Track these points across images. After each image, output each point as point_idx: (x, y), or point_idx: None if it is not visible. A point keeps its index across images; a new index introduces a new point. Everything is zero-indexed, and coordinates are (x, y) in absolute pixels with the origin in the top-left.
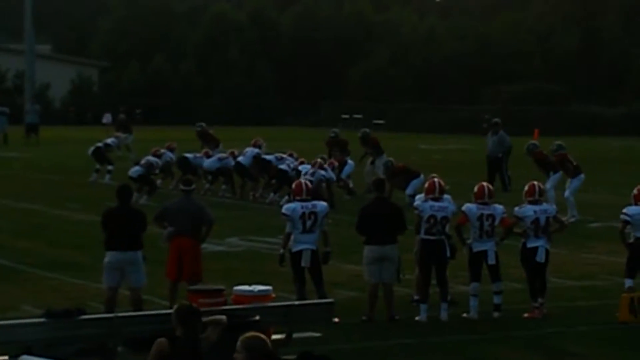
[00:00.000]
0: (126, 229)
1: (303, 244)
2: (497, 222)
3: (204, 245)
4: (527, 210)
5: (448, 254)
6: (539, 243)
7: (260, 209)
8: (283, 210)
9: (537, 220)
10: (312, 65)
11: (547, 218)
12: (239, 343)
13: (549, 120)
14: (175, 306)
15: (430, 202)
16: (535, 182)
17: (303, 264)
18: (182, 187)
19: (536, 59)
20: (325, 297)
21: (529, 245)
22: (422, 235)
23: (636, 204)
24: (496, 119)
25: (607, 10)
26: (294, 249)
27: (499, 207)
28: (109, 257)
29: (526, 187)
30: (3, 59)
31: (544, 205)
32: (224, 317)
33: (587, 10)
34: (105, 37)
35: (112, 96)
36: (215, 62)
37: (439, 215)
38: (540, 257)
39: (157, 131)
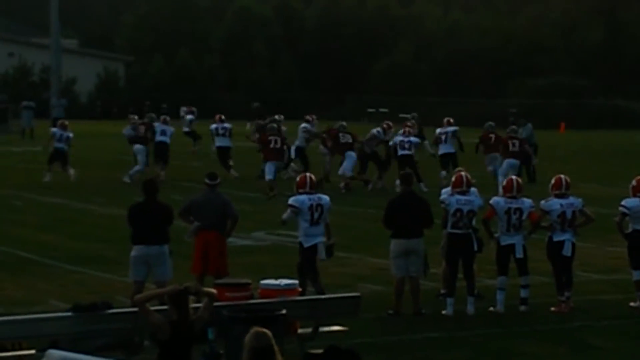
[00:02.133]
0: (152, 223)
1: (315, 237)
2: (525, 216)
3: (230, 240)
4: (554, 203)
5: (475, 247)
6: (566, 237)
7: (286, 202)
8: (290, 202)
9: (563, 213)
10: (336, 59)
11: (574, 212)
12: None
13: (574, 113)
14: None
15: (457, 196)
16: (562, 176)
17: (320, 257)
18: (207, 181)
19: (560, 52)
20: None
21: (556, 239)
22: (449, 229)
23: (634, 196)
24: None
25: (632, 3)
26: (307, 244)
27: (527, 201)
28: (135, 251)
29: (553, 181)
30: (29, 53)
31: (571, 199)
32: (214, 291)
33: (611, 3)
34: (131, 31)
35: (137, 90)
36: (239, 56)
37: (466, 209)
38: (567, 251)
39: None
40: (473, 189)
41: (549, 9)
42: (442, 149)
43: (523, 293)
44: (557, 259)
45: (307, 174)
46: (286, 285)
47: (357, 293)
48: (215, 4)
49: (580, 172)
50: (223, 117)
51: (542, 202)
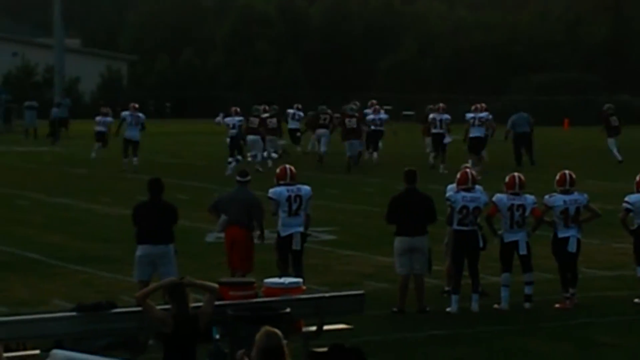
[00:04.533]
0: (157, 223)
1: (292, 227)
2: (527, 212)
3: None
4: (557, 199)
5: (481, 244)
6: (570, 233)
7: None
8: (269, 194)
9: (566, 210)
10: (341, 57)
11: (577, 208)
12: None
13: (579, 109)
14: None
15: (463, 193)
16: (567, 171)
17: (294, 247)
18: (237, 177)
19: (565, 48)
20: (303, 279)
21: (560, 235)
22: (455, 226)
23: (638, 191)
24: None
25: None
26: (283, 233)
27: (530, 197)
28: (140, 250)
29: (557, 176)
30: (33, 53)
31: (575, 195)
32: (215, 285)
33: None
34: (134, 31)
35: (141, 90)
36: (243, 55)
37: (471, 206)
38: (572, 247)
39: (187, 124)
40: (478, 187)
41: (554, 4)
42: (472, 133)
43: (527, 290)
44: (562, 255)
45: (287, 166)
46: (290, 283)
47: (362, 291)
48: (218, 3)
49: (585, 169)
50: (238, 109)
51: (546, 197)
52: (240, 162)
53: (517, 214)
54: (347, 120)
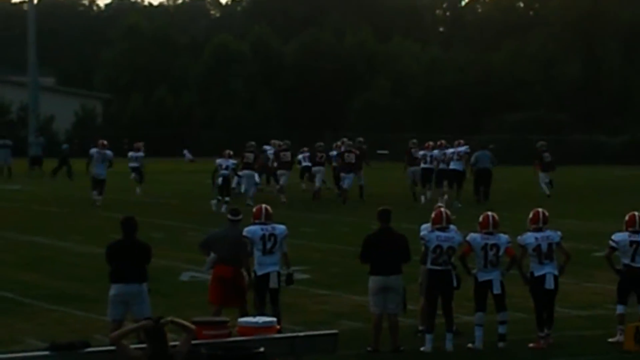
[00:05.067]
0: (131, 262)
1: (268, 266)
2: (501, 251)
3: (208, 277)
4: (529, 237)
5: (454, 284)
6: (546, 270)
7: None
8: (244, 233)
9: (538, 247)
10: (315, 95)
11: (550, 244)
12: None
13: (552, 149)
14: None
15: (437, 232)
16: (540, 209)
17: (271, 285)
18: (229, 216)
19: (538, 88)
20: (280, 318)
21: (537, 273)
22: (429, 266)
23: (626, 230)
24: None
25: (609, 38)
26: (260, 272)
27: (504, 237)
28: (114, 289)
29: (531, 214)
30: (7, 91)
31: (547, 232)
32: (192, 326)
33: (588, 38)
34: (108, 69)
35: (115, 128)
36: (217, 93)
37: (445, 245)
38: (550, 284)
39: (160, 162)
40: (452, 226)
41: (527, 44)
42: (452, 166)
43: (501, 329)
44: (540, 294)
45: (263, 205)
46: (264, 322)
47: (336, 330)
48: (193, 41)
49: (559, 208)
50: (231, 152)
51: (518, 237)
52: (227, 203)
53: (490, 253)
54: (345, 154)
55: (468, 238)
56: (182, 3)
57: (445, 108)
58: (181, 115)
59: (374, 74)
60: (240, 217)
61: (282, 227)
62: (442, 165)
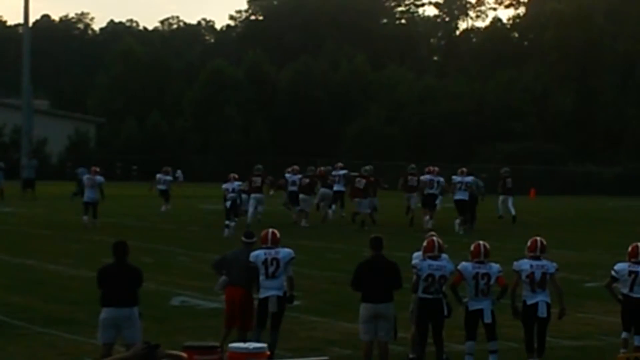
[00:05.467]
0: (122, 286)
1: (269, 290)
2: (492, 281)
3: (199, 302)
4: (524, 263)
5: (445, 312)
6: (538, 298)
7: None
8: (250, 257)
9: (532, 274)
10: (309, 122)
11: (544, 274)
12: None
13: (544, 179)
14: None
15: (429, 261)
16: (538, 238)
17: (270, 309)
18: (243, 238)
19: (532, 118)
20: (276, 344)
21: (529, 302)
22: (420, 294)
23: (628, 260)
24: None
25: (603, 70)
26: (261, 295)
27: (495, 266)
28: (104, 313)
29: (529, 242)
30: (1, 113)
31: (543, 261)
32: (184, 354)
33: (583, 70)
34: (102, 93)
35: (108, 152)
36: (211, 119)
37: (437, 274)
38: (542, 312)
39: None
40: (444, 255)
41: (521, 74)
42: (458, 196)
43: (491, 359)
44: (531, 321)
45: (270, 230)
46: (254, 348)
47: (326, 357)
48: (187, 67)
49: (551, 238)
50: (237, 175)
51: (515, 262)
52: (234, 225)
53: (482, 282)
54: (357, 179)
55: (460, 267)
56: (177, 28)
57: (439, 136)
58: (175, 140)
59: (368, 101)
60: (254, 239)
61: (287, 250)
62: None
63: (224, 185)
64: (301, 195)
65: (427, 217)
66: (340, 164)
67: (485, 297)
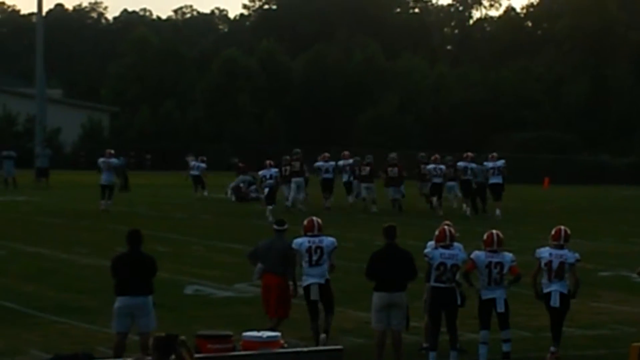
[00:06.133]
0: (136, 274)
1: (311, 277)
2: (505, 270)
3: (212, 291)
4: (544, 251)
5: (459, 301)
6: (553, 288)
7: None
8: (292, 244)
9: (550, 263)
10: (322, 111)
11: (561, 263)
12: None
13: (558, 168)
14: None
15: (441, 250)
16: (562, 227)
17: (312, 298)
18: (275, 226)
19: (546, 106)
20: (329, 328)
21: (545, 290)
22: (432, 283)
23: None
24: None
25: (617, 58)
26: (304, 284)
27: (508, 255)
28: (119, 302)
29: (553, 231)
30: (14, 102)
31: (564, 251)
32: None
33: (597, 58)
34: (116, 82)
35: (122, 141)
36: (224, 108)
37: (449, 263)
38: (555, 302)
39: (167, 176)
40: (457, 244)
41: (535, 63)
42: (492, 180)
43: (505, 347)
44: (547, 310)
45: (315, 218)
46: (268, 337)
47: (340, 346)
48: (201, 56)
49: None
50: (272, 162)
51: (537, 249)
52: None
53: (494, 271)
54: (389, 169)
55: (472, 255)
56: (191, 17)
57: (453, 125)
58: (188, 129)
59: (381, 90)
60: (285, 227)
61: (331, 239)
62: (479, 178)
63: (261, 172)
64: (365, 184)
65: (468, 208)
66: (346, 153)
67: (498, 286)
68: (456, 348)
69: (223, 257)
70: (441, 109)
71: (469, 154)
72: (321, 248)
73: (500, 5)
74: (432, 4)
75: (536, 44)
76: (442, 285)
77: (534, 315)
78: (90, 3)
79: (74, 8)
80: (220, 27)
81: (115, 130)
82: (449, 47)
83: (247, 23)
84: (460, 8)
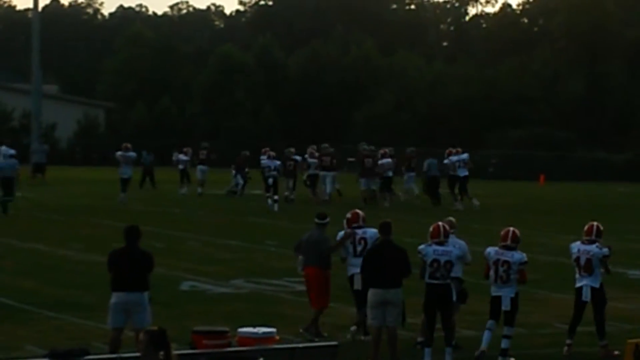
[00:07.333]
0: (133, 270)
1: (355, 267)
2: (512, 269)
3: (208, 287)
4: (573, 247)
5: (454, 298)
6: (583, 282)
7: (266, 250)
8: (338, 236)
9: (578, 259)
10: (318, 107)
11: (589, 259)
12: None
13: (554, 165)
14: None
15: (434, 246)
16: (595, 223)
17: (355, 287)
18: (316, 220)
19: (541, 104)
20: (361, 323)
21: (576, 285)
22: (426, 280)
23: None
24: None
25: (613, 56)
26: (349, 273)
27: (518, 256)
28: (115, 298)
29: (586, 227)
30: (10, 98)
31: (592, 246)
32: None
33: (592, 55)
34: (112, 77)
35: (118, 137)
36: (221, 103)
37: (443, 259)
38: (586, 296)
39: (163, 171)
40: (452, 240)
41: (531, 59)
42: (460, 173)
43: (503, 344)
44: (578, 304)
45: (359, 211)
46: (264, 333)
47: (335, 342)
48: (197, 52)
49: (561, 224)
50: (274, 153)
51: (570, 244)
52: (276, 202)
53: (501, 269)
54: (365, 159)
55: (485, 252)
56: (187, 13)
57: (448, 122)
58: (185, 126)
59: (377, 87)
60: (326, 220)
61: (374, 231)
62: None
63: (264, 162)
64: (324, 172)
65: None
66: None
67: (504, 284)
68: (451, 344)
69: (219, 253)
70: (437, 105)
71: (458, 149)
72: (365, 239)
73: (496, 1)
74: (428, 1)
75: (532, 41)
76: (435, 282)
77: (528, 312)
78: None
79: (70, 4)
80: (217, 23)
81: (111, 126)
82: (445, 44)
83: (243, 19)
84: (457, 5)
